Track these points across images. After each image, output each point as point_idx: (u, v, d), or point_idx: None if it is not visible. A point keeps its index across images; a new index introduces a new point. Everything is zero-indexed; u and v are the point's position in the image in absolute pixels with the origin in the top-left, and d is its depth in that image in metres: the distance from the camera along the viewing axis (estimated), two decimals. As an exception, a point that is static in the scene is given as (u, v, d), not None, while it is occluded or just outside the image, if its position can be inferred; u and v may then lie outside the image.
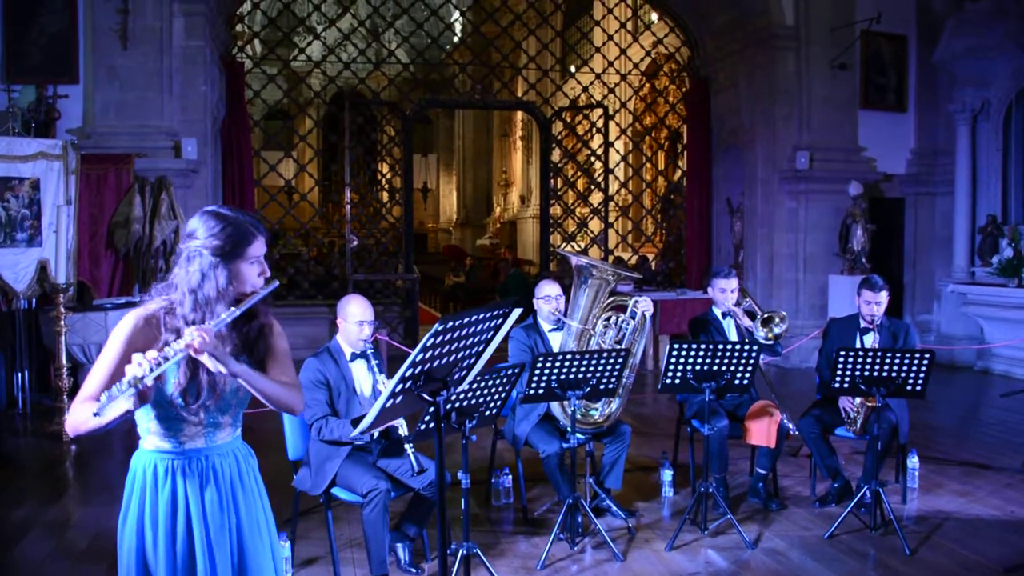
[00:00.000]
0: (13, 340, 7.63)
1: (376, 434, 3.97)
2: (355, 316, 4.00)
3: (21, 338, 7.71)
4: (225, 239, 2.14)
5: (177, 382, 2.13)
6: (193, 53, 8.58)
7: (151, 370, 1.93)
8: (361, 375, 4.06)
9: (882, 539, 4.54)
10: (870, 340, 5.01)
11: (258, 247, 2.19)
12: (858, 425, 4.93)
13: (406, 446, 3.73)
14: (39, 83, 8.08)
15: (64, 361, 6.89)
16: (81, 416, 2.08)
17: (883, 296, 4.96)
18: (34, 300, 7.65)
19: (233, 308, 2.12)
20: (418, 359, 2.13)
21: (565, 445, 4.45)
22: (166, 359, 1.97)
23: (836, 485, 5.10)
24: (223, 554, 2.19)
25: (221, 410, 2.22)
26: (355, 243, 10.86)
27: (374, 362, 3.99)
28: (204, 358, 2.03)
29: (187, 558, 2.17)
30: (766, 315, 4.96)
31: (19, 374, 7.65)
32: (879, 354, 4.42)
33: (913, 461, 5.39)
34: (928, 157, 10.49)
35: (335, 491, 3.95)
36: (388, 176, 11.98)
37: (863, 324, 5.07)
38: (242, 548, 2.23)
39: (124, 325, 2.15)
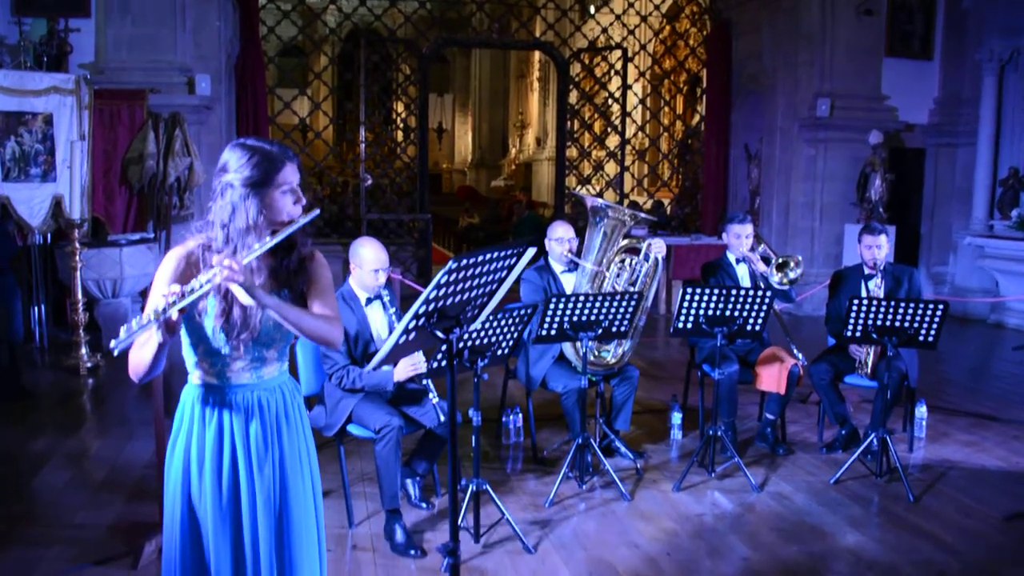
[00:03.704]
0: (29, 275, 7.70)
1: (403, 378, 3.96)
2: (370, 264, 3.92)
3: (37, 273, 7.78)
4: (253, 168, 2.11)
5: (217, 316, 2.13)
6: (207, -12, 8.47)
7: (174, 302, 1.93)
8: (377, 319, 4.05)
9: (887, 486, 4.59)
10: (874, 285, 5.00)
11: (289, 174, 2.15)
12: (868, 367, 4.94)
13: (431, 395, 3.76)
14: (50, 16, 8.00)
15: (80, 296, 6.96)
16: (133, 359, 2.10)
17: (882, 240, 4.97)
18: (49, 235, 7.70)
19: (267, 239, 2.10)
20: (432, 296, 2.13)
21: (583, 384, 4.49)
22: (192, 291, 1.96)
23: (844, 432, 5.13)
24: (266, 486, 2.23)
25: (265, 344, 2.22)
26: (369, 182, 10.83)
27: (391, 308, 3.98)
28: (235, 289, 2.02)
29: (232, 489, 2.21)
30: (781, 260, 4.94)
31: (36, 308, 7.74)
32: (892, 303, 4.41)
33: (921, 411, 5.42)
34: (952, 107, 10.29)
35: (349, 427, 4.00)
36: (403, 115, 11.86)
37: (866, 270, 5.06)
38: (284, 481, 2.26)
39: (165, 266, 2.14)
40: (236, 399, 2.22)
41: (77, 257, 6.90)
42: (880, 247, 4.97)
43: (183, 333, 2.19)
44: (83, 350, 6.89)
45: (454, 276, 2.15)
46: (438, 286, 2.13)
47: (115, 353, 1.95)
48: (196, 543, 2.22)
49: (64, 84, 7.16)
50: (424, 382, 3.82)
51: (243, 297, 2.05)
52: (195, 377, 2.25)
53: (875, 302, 4.44)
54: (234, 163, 2.12)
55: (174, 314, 1.93)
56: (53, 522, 4.01)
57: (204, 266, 2.13)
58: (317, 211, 2.19)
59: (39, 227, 7.09)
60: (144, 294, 7.97)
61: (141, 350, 2.06)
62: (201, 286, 1.98)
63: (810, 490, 4.54)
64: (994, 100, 9.63)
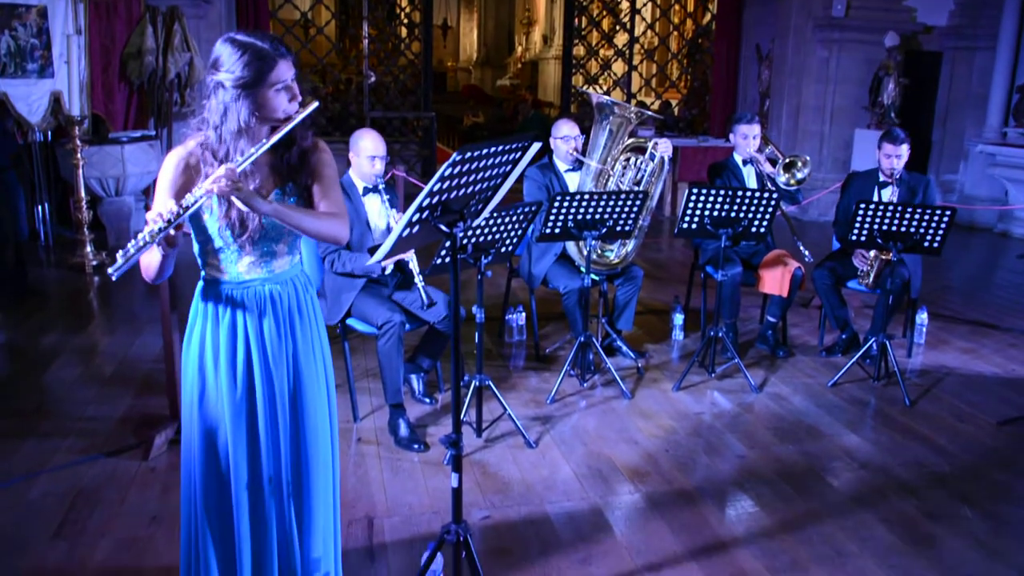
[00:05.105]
0: (32, 173, 7.65)
1: (390, 267, 4.01)
2: (367, 151, 3.95)
3: (39, 171, 7.72)
4: (243, 68, 2.03)
5: (221, 216, 2.12)
6: None
7: (170, 220, 1.92)
8: (374, 209, 4.06)
9: (884, 389, 4.65)
10: (888, 194, 4.94)
11: (282, 71, 2.07)
12: (871, 278, 4.94)
13: (416, 279, 3.76)
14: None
15: (83, 194, 6.93)
16: (143, 263, 2.10)
17: (904, 149, 4.86)
18: (49, 133, 7.60)
19: (264, 141, 2.05)
20: (435, 189, 2.10)
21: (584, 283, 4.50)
22: (186, 208, 1.94)
23: (844, 336, 5.17)
24: (280, 378, 2.26)
25: (273, 239, 2.21)
26: (372, 80, 10.63)
27: (386, 197, 3.97)
28: (233, 198, 2.01)
29: (247, 383, 2.24)
30: (788, 159, 4.87)
31: (39, 207, 7.72)
32: (899, 208, 4.37)
33: (922, 317, 5.45)
34: (973, 9, 9.94)
35: (351, 322, 4.04)
36: (407, 11, 11.54)
37: (882, 178, 4.99)
38: (297, 373, 2.29)
39: (166, 169, 2.11)
40: (248, 294, 2.22)
41: (78, 155, 6.84)
42: (900, 156, 4.86)
43: (192, 231, 2.18)
44: (88, 248, 6.91)
45: (458, 169, 2.12)
46: (442, 178, 2.10)
47: (114, 279, 1.95)
48: (213, 437, 2.25)
49: (57, -26, 6.93)
50: (418, 281, 3.80)
51: (241, 206, 2.04)
52: (207, 272, 2.25)
53: (882, 207, 4.40)
54: (225, 60, 2.04)
55: (172, 231, 1.93)
56: (65, 415, 4.10)
57: (204, 166, 2.10)
58: (316, 103, 2.12)
59: (38, 124, 6.99)
60: (147, 192, 7.94)
61: (149, 255, 2.07)
62: (196, 200, 1.96)
63: (808, 392, 4.61)
64: (1018, 2, 9.31)
